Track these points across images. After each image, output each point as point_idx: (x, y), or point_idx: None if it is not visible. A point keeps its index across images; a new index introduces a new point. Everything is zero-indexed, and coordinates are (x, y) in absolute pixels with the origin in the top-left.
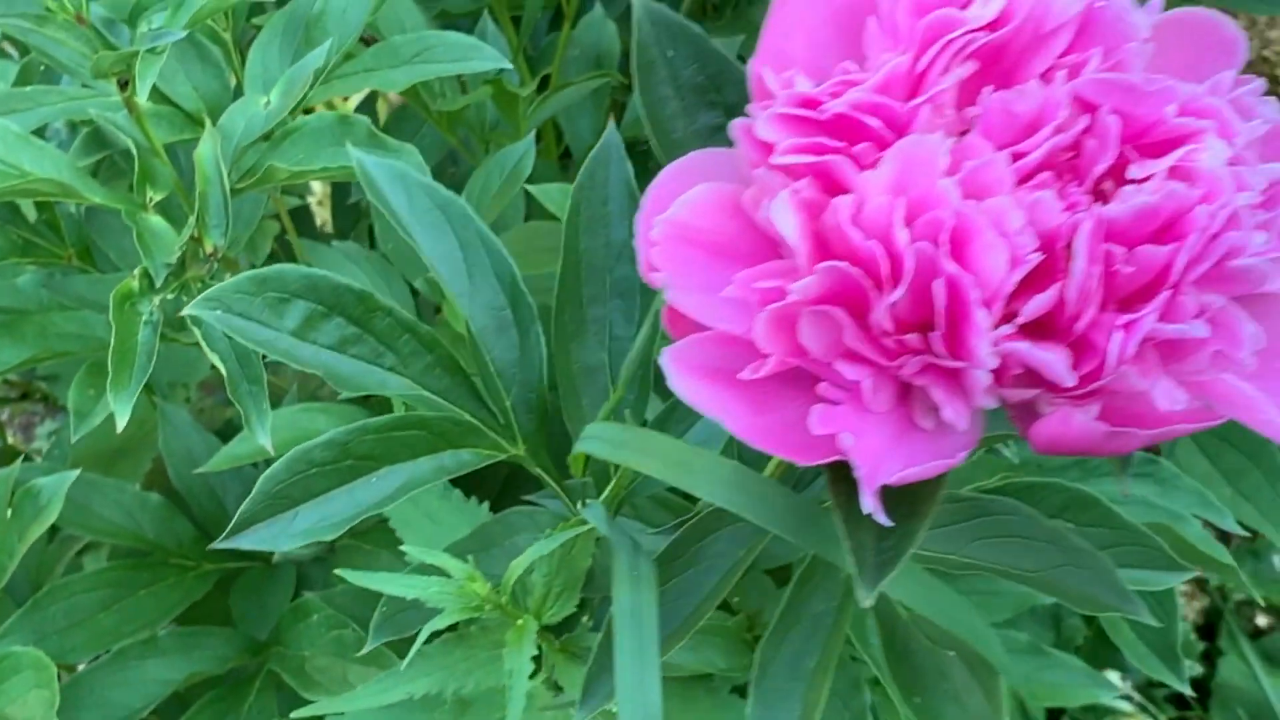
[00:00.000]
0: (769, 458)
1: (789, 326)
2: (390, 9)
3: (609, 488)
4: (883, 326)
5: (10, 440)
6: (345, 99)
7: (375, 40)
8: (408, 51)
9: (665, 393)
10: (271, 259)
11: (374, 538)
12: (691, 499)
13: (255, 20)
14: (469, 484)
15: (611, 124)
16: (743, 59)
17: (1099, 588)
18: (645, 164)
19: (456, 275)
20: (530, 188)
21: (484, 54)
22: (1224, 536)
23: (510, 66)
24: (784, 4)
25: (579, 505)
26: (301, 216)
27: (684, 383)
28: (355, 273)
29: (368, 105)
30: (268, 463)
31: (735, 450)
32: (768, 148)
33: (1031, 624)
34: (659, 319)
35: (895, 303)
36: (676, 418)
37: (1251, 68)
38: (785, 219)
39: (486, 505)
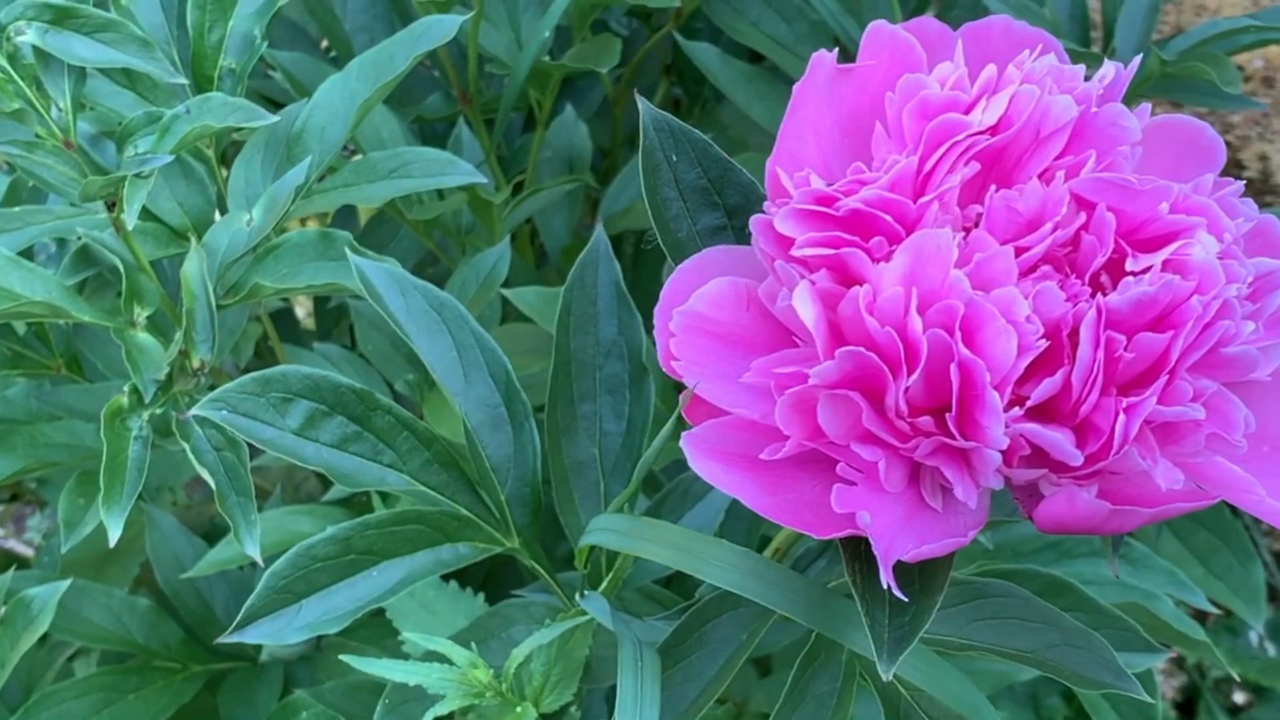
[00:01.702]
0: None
1: (808, 410)
2: (368, 120)
3: (608, 578)
4: (898, 409)
5: (3, 533)
6: None
7: (355, 149)
8: (384, 168)
9: (650, 490)
10: (254, 360)
11: (361, 634)
12: (682, 590)
13: (238, 135)
14: (457, 577)
15: (600, 227)
16: None
17: (1095, 666)
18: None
19: (452, 374)
20: (506, 292)
21: (458, 169)
22: (1200, 614)
23: (484, 180)
24: (797, 109)
25: (575, 597)
26: (285, 317)
27: (705, 465)
28: (337, 375)
29: (349, 208)
30: (254, 565)
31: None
32: (786, 241)
33: (1010, 703)
34: (649, 414)
35: (910, 387)
36: (664, 512)
37: None
38: (806, 307)
39: (481, 597)
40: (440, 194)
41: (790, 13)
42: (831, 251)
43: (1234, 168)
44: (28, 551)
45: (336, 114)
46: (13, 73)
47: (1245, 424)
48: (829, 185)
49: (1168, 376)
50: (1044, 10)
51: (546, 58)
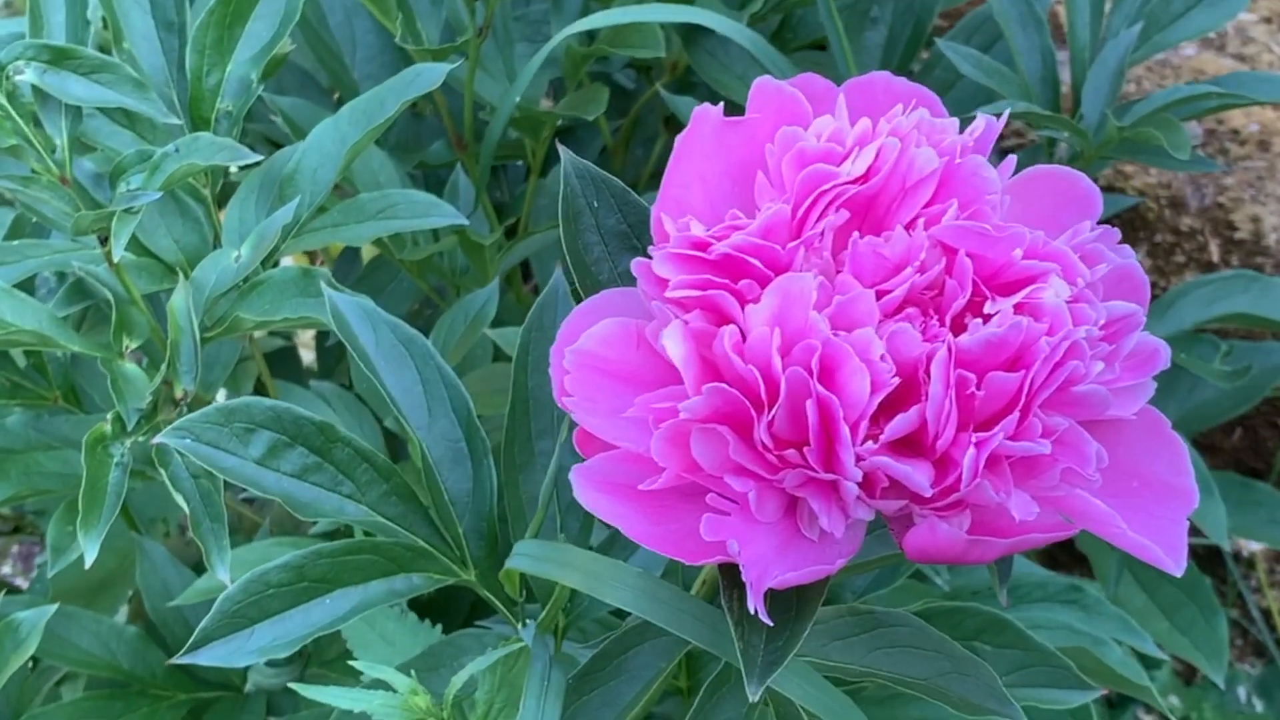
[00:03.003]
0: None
1: (683, 443)
2: (364, 162)
3: (548, 606)
4: (764, 443)
5: (9, 570)
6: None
7: (348, 190)
8: (372, 208)
9: None
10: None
11: (341, 667)
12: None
13: (235, 176)
14: (435, 609)
15: (559, 270)
16: None
17: (981, 693)
18: None
19: (416, 409)
20: (490, 332)
21: (443, 211)
22: (1191, 669)
23: (466, 223)
24: (681, 158)
25: (520, 624)
26: (287, 356)
27: (588, 495)
28: (328, 411)
29: (352, 252)
30: None
31: (680, 569)
32: (663, 283)
33: None
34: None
35: (772, 421)
36: (621, 543)
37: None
38: (674, 345)
39: (439, 628)
40: (435, 236)
41: (781, 70)
42: (701, 293)
43: (1226, 229)
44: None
45: (328, 156)
46: (11, 110)
47: (1098, 459)
48: (709, 230)
49: (1019, 413)
50: (1015, 74)
51: (545, 102)
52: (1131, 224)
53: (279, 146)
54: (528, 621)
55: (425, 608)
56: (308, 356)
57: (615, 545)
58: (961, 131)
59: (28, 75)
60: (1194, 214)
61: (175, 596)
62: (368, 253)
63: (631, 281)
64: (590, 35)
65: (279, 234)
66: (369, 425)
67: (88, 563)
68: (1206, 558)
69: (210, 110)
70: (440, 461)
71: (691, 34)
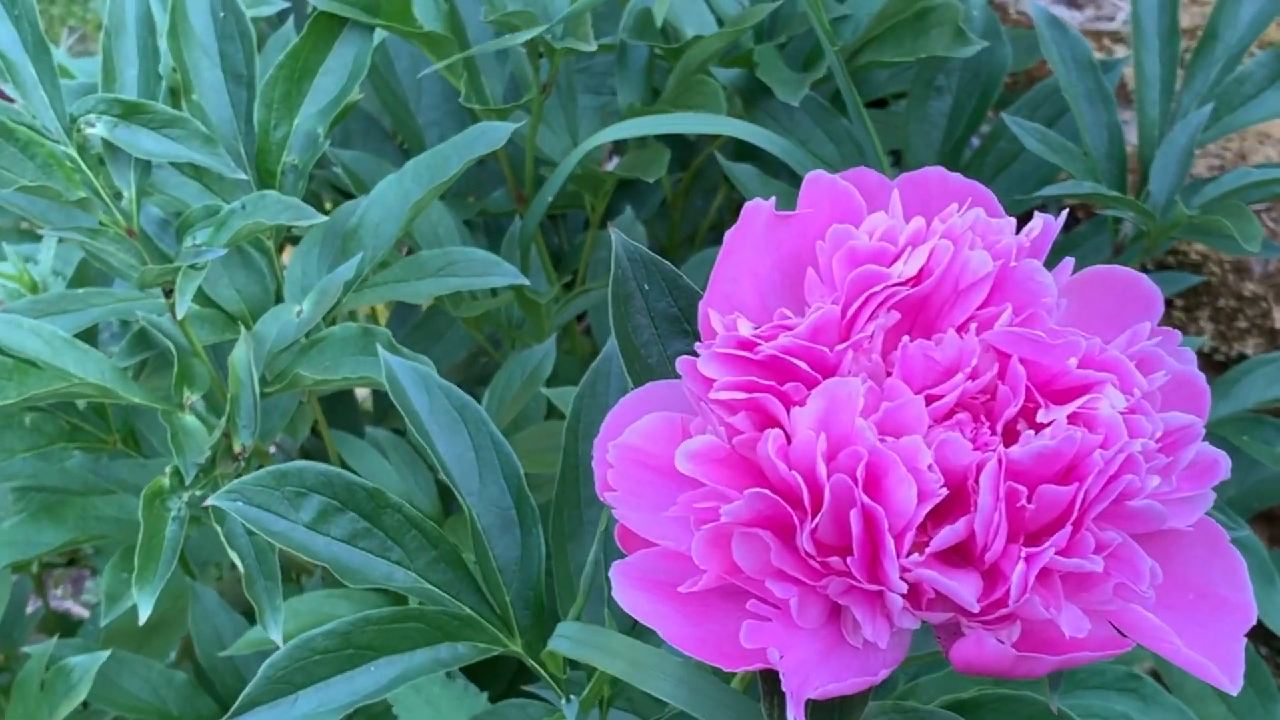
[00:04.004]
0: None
1: (724, 545)
2: (424, 216)
3: (590, 684)
4: (807, 550)
5: (59, 593)
6: None
7: (406, 241)
8: (433, 265)
9: None
10: (311, 438)
11: None
12: None
13: (297, 230)
14: (481, 675)
15: (614, 338)
16: None
17: None
18: None
19: (468, 475)
20: (547, 392)
21: (502, 270)
22: None
23: (526, 283)
24: (731, 253)
25: (564, 700)
26: (345, 399)
27: (627, 595)
28: (382, 463)
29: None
30: None
31: None
32: (708, 382)
33: None
34: None
35: (816, 528)
36: None
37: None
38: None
39: (485, 696)
40: (493, 291)
41: (839, 134)
42: (747, 395)
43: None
44: (84, 613)
45: (390, 212)
46: (81, 163)
47: (1152, 575)
48: (757, 328)
49: (1071, 527)
50: (1081, 150)
51: (606, 159)
52: (1194, 289)
53: (342, 193)
54: (572, 697)
55: (470, 668)
56: (362, 393)
57: None
58: (1019, 229)
59: (99, 129)
60: (1258, 280)
61: (226, 642)
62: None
63: None
64: (655, 92)
65: (340, 290)
66: (423, 476)
67: (142, 617)
68: (1263, 638)
69: (276, 164)
70: (489, 529)
71: (753, 95)
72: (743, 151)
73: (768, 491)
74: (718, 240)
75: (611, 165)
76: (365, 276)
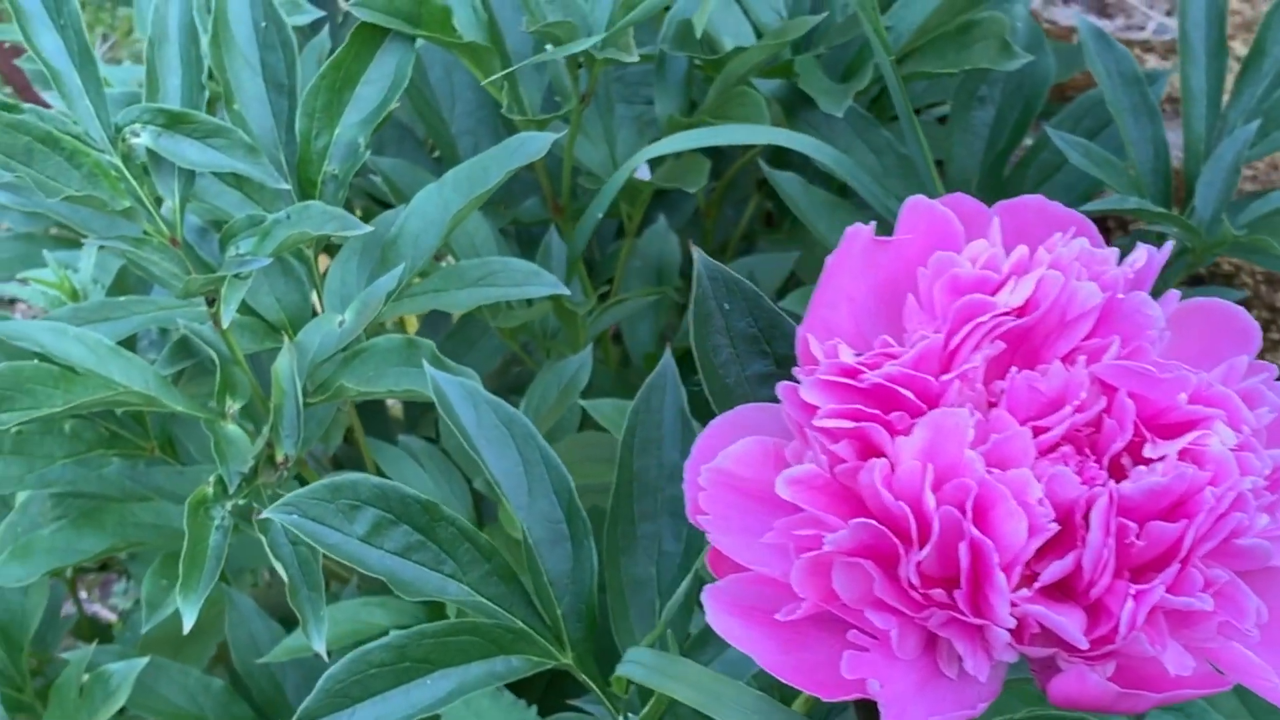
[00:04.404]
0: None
1: (823, 574)
2: (461, 225)
3: (649, 704)
4: (910, 581)
5: (85, 596)
6: None
7: (446, 252)
8: (473, 275)
9: None
10: (343, 446)
11: None
12: None
13: (336, 239)
14: (516, 684)
15: (669, 352)
16: (796, 275)
17: None
18: (692, 371)
19: (517, 489)
20: (584, 403)
21: (543, 280)
22: None
23: (567, 293)
24: (831, 278)
25: (621, 717)
26: (375, 407)
27: (721, 620)
28: (417, 471)
29: None
30: (328, 652)
31: (771, 679)
32: (810, 409)
33: None
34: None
35: (921, 560)
36: (711, 642)
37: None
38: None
39: (534, 709)
40: (529, 301)
41: (880, 145)
42: (852, 424)
43: None
44: (111, 617)
45: (430, 222)
46: (125, 172)
47: (1258, 614)
48: (860, 353)
49: (1179, 565)
50: (1125, 164)
51: (646, 173)
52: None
53: (378, 202)
54: (630, 716)
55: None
56: (391, 401)
57: (712, 640)
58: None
59: (143, 139)
60: None
61: (263, 649)
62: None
63: (761, 386)
64: (693, 104)
65: (382, 300)
66: (458, 485)
67: (186, 627)
68: None
69: (317, 173)
70: (540, 542)
71: (793, 106)
72: (778, 161)
73: (872, 521)
74: (749, 250)
75: (643, 174)
76: (404, 286)
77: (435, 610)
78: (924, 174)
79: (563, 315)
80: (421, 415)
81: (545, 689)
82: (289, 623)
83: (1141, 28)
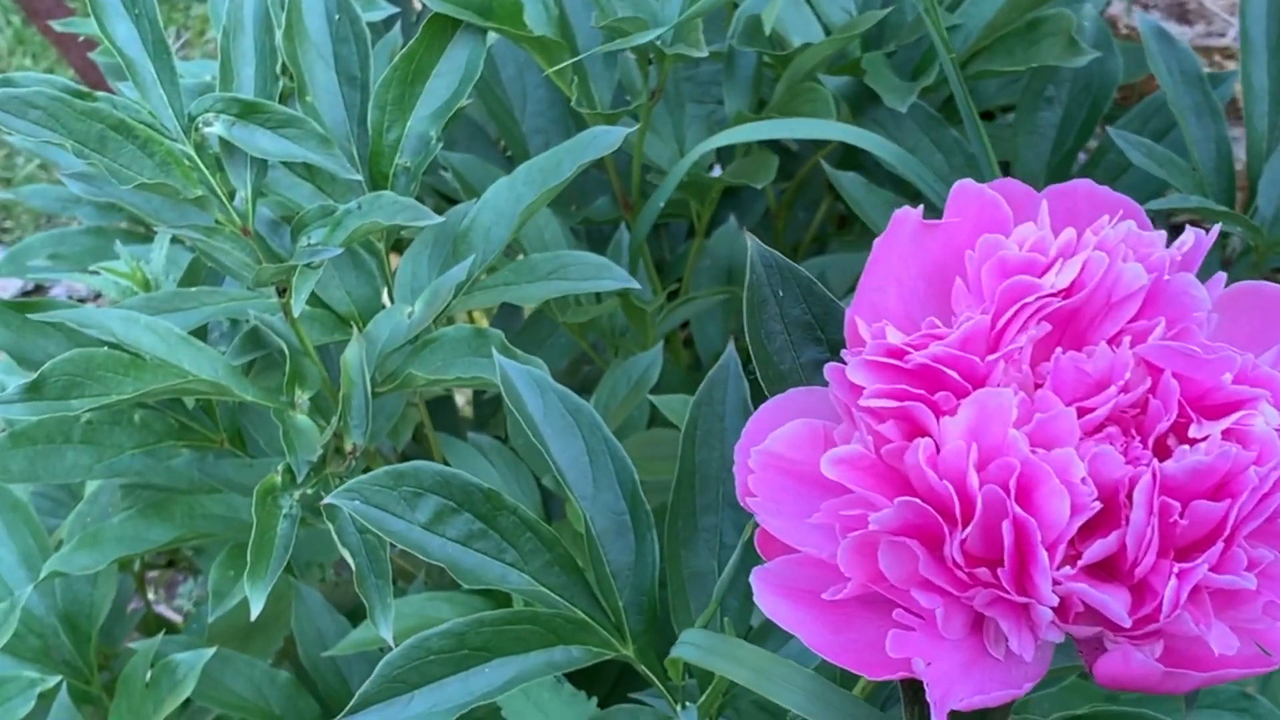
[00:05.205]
0: (859, 677)
1: (870, 554)
2: (531, 220)
3: (707, 692)
4: (955, 560)
5: (152, 596)
6: None
7: (516, 248)
8: (544, 269)
9: None
10: (412, 444)
11: None
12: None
13: (407, 231)
14: (583, 678)
15: (731, 345)
16: None
17: None
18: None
19: (582, 479)
20: (654, 398)
21: (613, 274)
22: None
23: (637, 287)
24: (878, 261)
25: (680, 706)
26: (445, 405)
27: (769, 601)
28: (486, 467)
29: (514, 304)
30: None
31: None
32: (857, 390)
33: None
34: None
35: (965, 539)
36: (772, 630)
37: None
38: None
39: (594, 701)
40: (598, 298)
41: (948, 144)
42: (898, 404)
43: None
44: (176, 618)
45: (502, 215)
46: (199, 161)
47: None
48: (908, 335)
49: (1223, 544)
50: (1189, 165)
51: (709, 167)
52: None
53: (447, 198)
54: (687, 704)
55: (576, 675)
56: (460, 401)
57: (774, 632)
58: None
59: (216, 128)
60: None
61: (329, 644)
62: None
63: (815, 373)
64: (761, 102)
65: (452, 292)
66: (526, 482)
67: (254, 613)
68: None
69: (389, 166)
70: (603, 533)
71: (860, 103)
72: (846, 163)
73: (917, 500)
74: (820, 252)
75: (713, 173)
76: (475, 279)
77: (501, 603)
78: (985, 172)
79: (631, 312)
80: (491, 414)
81: (613, 685)
82: (355, 618)
83: (1222, 34)
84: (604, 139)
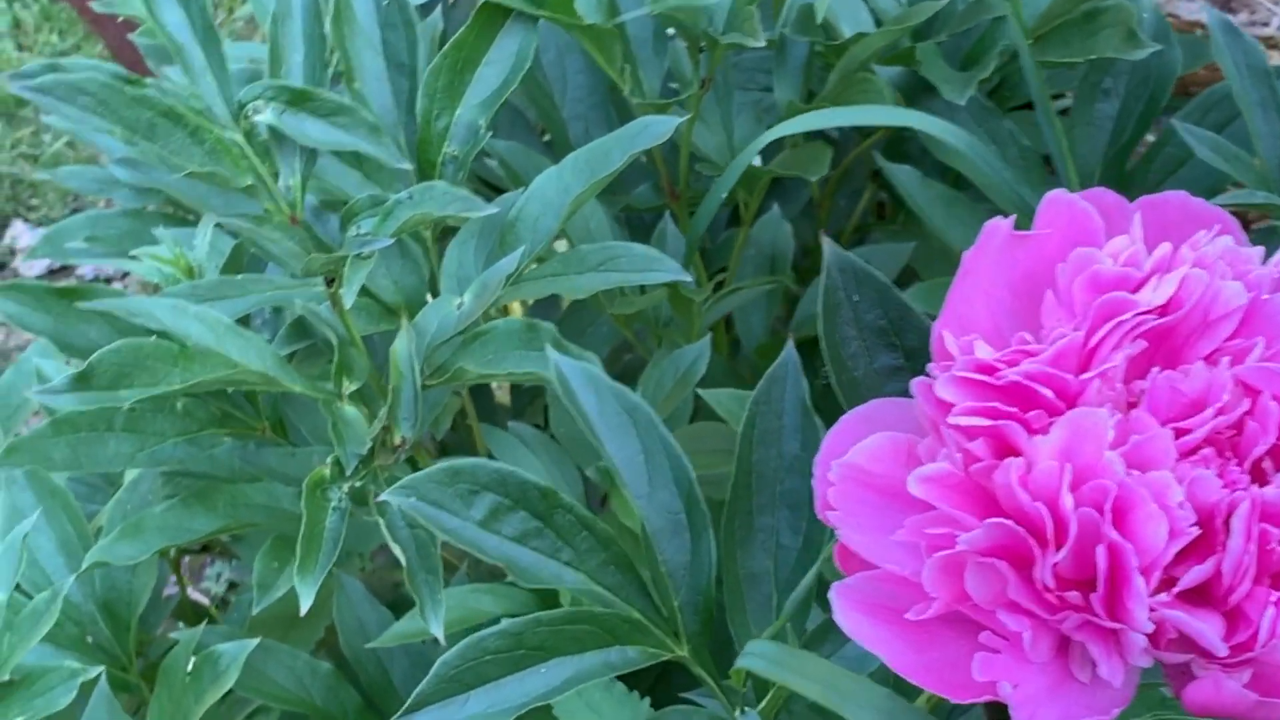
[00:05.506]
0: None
1: (956, 573)
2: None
3: (768, 697)
4: (1045, 582)
5: (178, 577)
6: None
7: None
8: (594, 259)
9: (826, 603)
10: (450, 433)
11: None
12: None
13: (453, 221)
14: (624, 676)
15: (791, 343)
16: (912, 268)
17: None
18: (812, 363)
19: (637, 478)
20: (703, 392)
21: (665, 266)
22: None
23: (689, 280)
24: (969, 274)
25: (738, 711)
26: (482, 392)
27: (850, 618)
28: (529, 457)
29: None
30: (435, 640)
31: (890, 675)
32: (945, 406)
33: None
34: (827, 533)
35: (1058, 562)
36: (830, 637)
37: None
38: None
39: (647, 701)
40: (641, 289)
41: (1003, 135)
42: (989, 422)
43: None
44: (203, 600)
45: (550, 205)
46: (248, 149)
47: None
48: (995, 350)
49: None
50: (1253, 159)
51: (757, 159)
52: None
53: (489, 185)
54: (746, 710)
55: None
56: (496, 392)
57: (829, 637)
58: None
59: (266, 115)
60: None
61: (370, 635)
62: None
63: (889, 379)
64: (811, 92)
65: (502, 283)
66: (570, 473)
67: (303, 608)
68: None
69: (437, 154)
70: (659, 532)
71: (914, 93)
72: (894, 157)
73: (1008, 522)
74: (861, 241)
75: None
76: (523, 270)
77: (545, 599)
78: (1059, 164)
79: (678, 303)
80: (530, 403)
81: (654, 682)
82: (395, 609)
83: (1265, 24)
84: (655, 129)
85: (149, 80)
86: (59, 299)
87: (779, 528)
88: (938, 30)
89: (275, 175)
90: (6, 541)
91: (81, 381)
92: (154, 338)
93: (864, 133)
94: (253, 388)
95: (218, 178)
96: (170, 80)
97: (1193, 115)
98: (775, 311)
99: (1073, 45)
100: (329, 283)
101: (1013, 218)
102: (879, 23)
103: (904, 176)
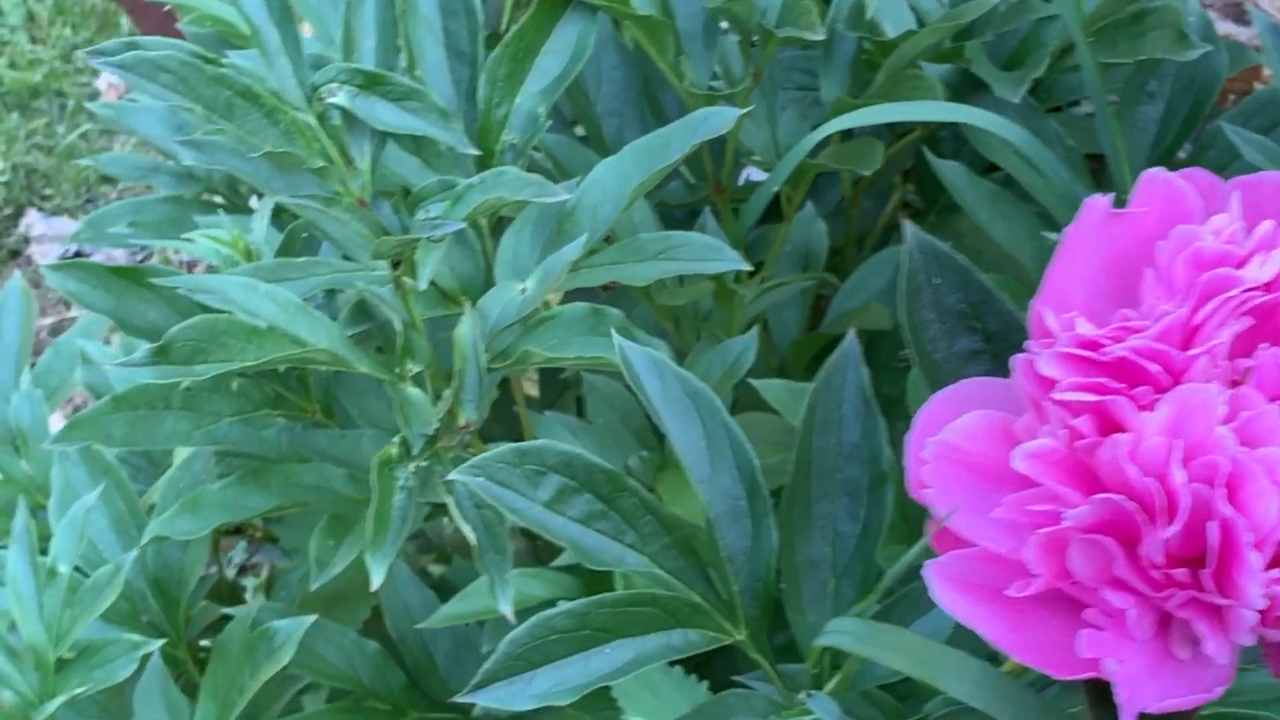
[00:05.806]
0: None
1: (1059, 551)
2: None
3: (836, 679)
4: (1153, 559)
5: (217, 556)
6: None
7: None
8: (652, 249)
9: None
10: (490, 423)
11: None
12: (899, 695)
13: (508, 209)
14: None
15: (852, 333)
16: None
17: None
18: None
19: (700, 462)
20: (756, 383)
21: (724, 255)
22: None
23: (748, 268)
24: (1068, 251)
25: (798, 694)
26: (504, 383)
27: (947, 596)
28: (575, 445)
29: None
30: (479, 623)
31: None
32: (1048, 383)
33: None
34: (885, 520)
35: (1168, 538)
36: (894, 617)
37: None
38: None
39: (705, 684)
40: (681, 281)
41: (1049, 135)
42: (1096, 398)
43: None
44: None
45: (609, 194)
46: (320, 132)
47: None
48: (1094, 327)
49: None
50: None
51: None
52: None
53: None
54: (813, 693)
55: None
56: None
57: (894, 613)
58: None
59: (340, 98)
60: None
61: (415, 616)
62: None
63: (969, 362)
64: (861, 87)
65: (565, 271)
66: (614, 460)
67: (374, 584)
68: None
69: (496, 142)
70: (720, 517)
71: (961, 91)
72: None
73: (1117, 497)
74: (888, 243)
75: None
76: (580, 259)
77: (590, 584)
78: (1113, 163)
79: (722, 296)
80: (559, 395)
81: (694, 668)
82: (440, 592)
83: None
84: (715, 120)
85: (226, 60)
86: (120, 278)
87: (837, 515)
88: (980, 30)
89: (347, 158)
90: (68, 518)
91: (159, 355)
92: (228, 316)
93: (897, 133)
94: (320, 366)
95: (290, 159)
96: (235, 64)
97: (1237, 120)
98: (806, 307)
99: (1120, 46)
100: (394, 266)
101: (1111, 195)
102: (920, 23)
103: (952, 173)
